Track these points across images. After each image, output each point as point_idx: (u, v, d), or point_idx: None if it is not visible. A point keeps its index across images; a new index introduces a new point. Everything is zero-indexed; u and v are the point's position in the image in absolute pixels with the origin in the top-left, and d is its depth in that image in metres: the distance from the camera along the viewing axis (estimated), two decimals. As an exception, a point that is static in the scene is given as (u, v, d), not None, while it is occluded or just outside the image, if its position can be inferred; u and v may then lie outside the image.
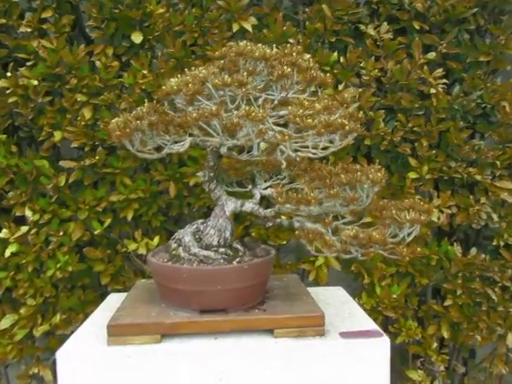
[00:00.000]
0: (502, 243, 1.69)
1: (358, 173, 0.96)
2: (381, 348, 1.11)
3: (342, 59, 1.67)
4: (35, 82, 1.58)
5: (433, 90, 1.63)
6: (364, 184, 0.95)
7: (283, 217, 1.37)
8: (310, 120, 0.86)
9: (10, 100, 1.58)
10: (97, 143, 1.64)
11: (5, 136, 1.61)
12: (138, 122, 0.99)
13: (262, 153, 1.17)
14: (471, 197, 1.69)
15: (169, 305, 1.15)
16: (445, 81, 1.65)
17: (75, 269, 1.64)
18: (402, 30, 1.73)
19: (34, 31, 1.61)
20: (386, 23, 1.67)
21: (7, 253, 1.59)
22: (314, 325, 1.10)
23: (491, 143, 1.75)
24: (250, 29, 1.63)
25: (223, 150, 1.11)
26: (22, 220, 1.67)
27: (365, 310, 1.39)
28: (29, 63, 1.60)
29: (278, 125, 1.03)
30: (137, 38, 1.62)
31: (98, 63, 1.63)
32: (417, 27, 1.68)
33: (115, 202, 1.65)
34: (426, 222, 0.95)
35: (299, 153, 0.94)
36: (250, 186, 1.35)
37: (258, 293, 1.19)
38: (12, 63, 1.62)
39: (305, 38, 1.66)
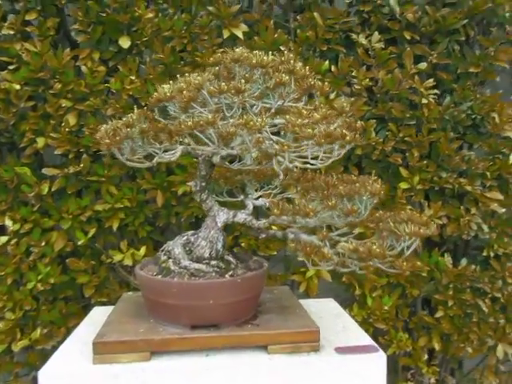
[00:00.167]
0: (492, 254, 1.69)
1: (357, 184, 0.94)
2: (377, 363, 1.08)
3: (333, 68, 1.66)
4: (17, 87, 1.52)
5: (424, 100, 1.63)
6: (363, 196, 0.92)
7: (274, 227, 1.34)
8: (309, 130, 0.83)
9: (-9, 104, 1.52)
10: (81, 150, 1.59)
11: (-15, 142, 1.55)
12: (129, 129, 0.95)
13: (254, 162, 1.14)
14: (461, 207, 1.68)
15: (158, 320, 1.10)
16: (436, 91, 1.65)
17: (57, 281, 1.57)
18: (393, 40, 1.73)
19: (16, 34, 1.56)
20: (377, 33, 1.67)
21: (-15, 264, 1.52)
22: (309, 340, 1.07)
23: (480, 154, 1.75)
24: (240, 35, 1.61)
25: (216, 159, 1.07)
26: (1, 230, 1.60)
27: (356, 321, 1.36)
28: (11, 67, 1.54)
29: (272, 134, 1.00)
30: (124, 42, 1.57)
31: (83, 68, 1.58)
32: (408, 37, 1.68)
33: (100, 211, 1.59)
34: (425, 236, 0.93)
35: (296, 163, 0.90)
36: (241, 196, 1.32)
37: (251, 307, 1.15)
38: (-7, 66, 1.56)
39: (296, 46, 1.65)
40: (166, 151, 1.05)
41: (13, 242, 1.55)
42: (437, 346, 1.70)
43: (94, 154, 1.60)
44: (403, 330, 1.74)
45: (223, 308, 1.07)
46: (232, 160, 1.16)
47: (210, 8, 1.61)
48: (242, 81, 0.85)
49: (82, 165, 1.57)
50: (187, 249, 1.16)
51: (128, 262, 1.59)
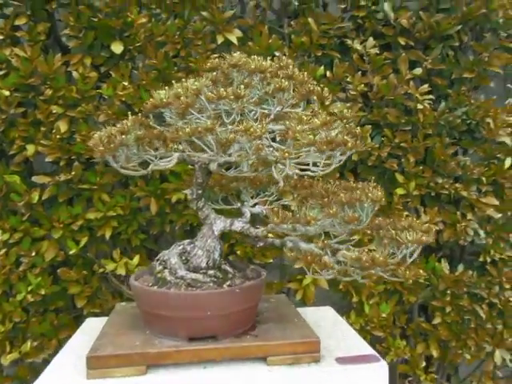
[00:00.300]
0: (488, 259, 1.68)
1: (357, 191, 0.92)
2: (379, 373, 1.06)
3: (328, 73, 1.65)
4: (7, 93, 1.49)
5: (419, 106, 1.63)
6: (364, 203, 0.90)
7: (270, 235, 1.32)
8: (310, 136, 0.81)
9: (-21, 111, 1.48)
10: (73, 157, 1.55)
11: (-28, 149, 1.52)
12: (124, 136, 0.92)
13: (251, 169, 1.12)
14: (458, 213, 1.68)
15: (154, 332, 1.07)
16: (431, 96, 1.64)
17: (48, 291, 1.53)
18: (387, 46, 1.73)
19: (6, 39, 1.53)
20: (371, 38, 1.66)
21: (-27, 275, 1.48)
22: (309, 351, 1.05)
23: (475, 159, 1.75)
24: (235, 41, 1.59)
25: (213, 167, 1.04)
26: (-11, 239, 1.55)
27: (354, 329, 1.34)
28: (0, 72, 1.51)
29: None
30: (117, 48, 1.55)
31: (74, 74, 1.55)
32: (402, 43, 1.68)
33: (92, 219, 1.56)
34: (427, 243, 0.91)
35: (296, 170, 0.88)
36: (238, 204, 1.30)
37: (250, 317, 1.12)
38: (-18, 72, 1.52)
39: (291, 52, 1.63)
40: (161, 158, 1.03)
41: (2, 252, 1.51)
42: (435, 353, 1.68)
43: (85, 162, 1.57)
44: (401, 337, 1.72)
45: (221, 319, 1.04)
46: (228, 167, 1.14)
47: (204, 13, 1.59)
48: (242, 86, 0.83)
49: (73, 172, 1.54)
50: (183, 258, 1.14)
51: (121, 271, 1.56)
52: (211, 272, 1.11)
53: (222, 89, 0.83)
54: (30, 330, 1.56)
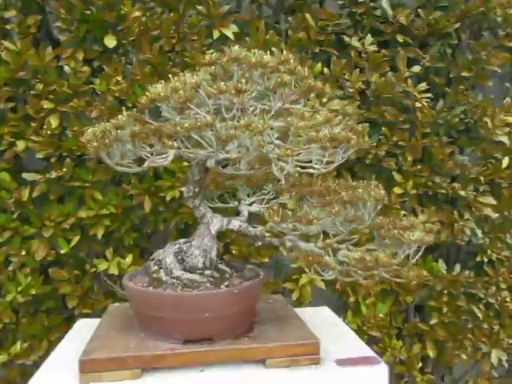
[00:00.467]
0: (485, 259, 1.67)
1: (360, 190, 0.90)
2: (379, 375, 1.04)
3: (325, 70, 1.63)
4: (-4, 87, 1.45)
5: (418, 104, 1.61)
6: (367, 202, 0.88)
7: (267, 234, 1.29)
8: (313, 133, 0.78)
9: (-33, 105, 1.44)
10: (64, 154, 1.52)
11: (-40, 145, 1.47)
12: (119, 131, 0.89)
13: (248, 166, 1.09)
14: (455, 212, 1.67)
15: (149, 334, 1.04)
16: (429, 95, 1.63)
17: (39, 291, 1.50)
18: (385, 43, 1.71)
19: (-5, 31, 1.48)
20: (370, 35, 1.64)
21: (-40, 275, 1.44)
22: (308, 353, 1.02)
23: (472, 158, 1.74)
24: (231, 36, 1.56)
25: (211, 164, 1.01)
26: (-22, 238, 1.51)
27: (352, 330, 1.32)
28: (-11, 66, 1.46)
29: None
30: (110, 41, 1.51)
31: (66, 68, 1.51)
32: (400, 40, 1.66)
33: (84, 218, 1.53)
34: (431, 243, 0.89)
35: (298, 168, 0.86)
36: (233, 202, 1.27)
37: (248, 318, 1.10)
38: (-30, 66, 1.47)
39: (288, 48, 1.60)
40: (157, 155, 0.99)
41: (-10, 251, 1.47)
42: (431, 354, 1.67)
43: (77, 158, 1.53)
44: (396, 337, 1.71)
45: (219, 321, 1.01)
46: (224, 165, 1.11)
47: (199, 7, 1.56)
48: (243, 80, 0.80)
49: (64, 169, 1.50)
50: (179, 258, 1.10)
51: (114, 270, 1.52)
52: (208, 272, 1.08)
53: (223, 83, 0.80)
54: (19, 331, 1.53)
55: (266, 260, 1.62)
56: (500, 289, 1.67)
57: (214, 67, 0.89)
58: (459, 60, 1.70)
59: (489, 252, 1.67)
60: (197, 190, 1.10)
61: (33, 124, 1.49)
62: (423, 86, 1.63)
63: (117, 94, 1.51)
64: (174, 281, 1.04)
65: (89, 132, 0.91)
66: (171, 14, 1.56)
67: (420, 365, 1.72)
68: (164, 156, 1.00)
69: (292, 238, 1.06)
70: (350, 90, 1.63)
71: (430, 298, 1.68)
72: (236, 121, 0.82)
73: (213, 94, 0.81)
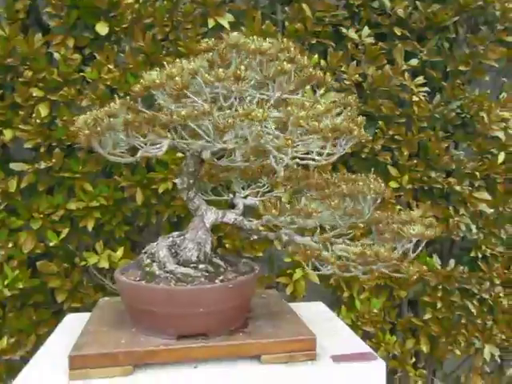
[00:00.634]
0: (479, 255, 1.67)
1: (360, 183, 0.87)
2: (376, 371, 1.02)
3: (322, 62, 1.60)
4: (-17, 74, 1.40)
5: (415, 98, 1.59)
6: (367, 195, 0.86)
7: (261, 227, 1.27)
8: (315, 123, 0.76)
9: (-47, 93, 1.39)
10: (54, 144, 1.48)
11: None
12: (111, 119, 0.85)
13: (243, 158, 1.06)
14: (451, 208, 1.66)
15: (141, 329, 1.01)
16: (426, 89, 1.61)
17: (26, 285, 1.46)
18: (382, 36, 1.68)
19: (-18, 16, 1.43)
20: (367, 27, 1.62)
21: None
22: (304, 349, 1.00)
23: (467, 153, 1.73)
24: (226, 25, 1.52)
25: (206, 155, 0.99)
26: (-37, 230, 1.47)
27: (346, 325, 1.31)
28: (-25, 52, 1.41)
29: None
30: (102, 29, 1.47)
31: (56, 55, 1.47)
32: (398, 33, 1.63)
33: (74, 210, 1.49)
34: (431, 237, 0.87)
35: (297, 159, 0.83)
36: (227, 195, 1.25)
37: (242, 314, 1.07)
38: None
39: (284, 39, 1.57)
40: (151, 145, 0.96)
41: (-24, 243, 1.43)
42: (425, 349, 1.66)
43: (67, 148, 1.50)
44: (390, 332, 1.70)
45: (213, 316, 0.99)
46: (219, 156, 1.08)
47: (194, -5, 1.52)
48: (242, 67, 0.77)
49: (54, 160, 1.46)
50: (173, 251, 1.08)
51: (104, 264, 1.49)
52: (202, 266, 1.05)
53: (221, 69, 0.77)
54: (6, 326, 1.49)
55: (260, 254, 1.59)
56: (494, 284, 1.67)
57: (211, 54, 0.86)
58: (456, 54, 1.68)
59: (483, 247, 1.67)
60: (191, 181, 1.07)
61: (21, 112, 1.45)
62: (420, 79, 1.62)
63: (108, 83, 1.47)
64: (168, 275, 1.01)
65: (80, 119, 0.87)
66: (165, 2, 1.52)
67: (413, 360, 1.71)
68: (158, 146, 0.97)
69: (288, 231, 1.04)
70: (347, 83, 1.61)
71: (424, 293, 1.67)
72: (234, 110, 0.79)
73: (211, 81, 0.77)
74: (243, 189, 1.26)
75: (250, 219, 1.13)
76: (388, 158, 1.64)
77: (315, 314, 1.32)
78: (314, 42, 1.62)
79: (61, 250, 1.53)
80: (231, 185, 1.26)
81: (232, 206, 1.24)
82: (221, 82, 0.76)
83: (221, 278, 1.02)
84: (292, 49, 0.86)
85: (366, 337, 1.68)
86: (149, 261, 1.06)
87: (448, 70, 1.69)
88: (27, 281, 1.46)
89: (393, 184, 1.63)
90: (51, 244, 1.47)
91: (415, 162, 1.64)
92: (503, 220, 1.70)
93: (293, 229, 1.03)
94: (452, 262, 1.68)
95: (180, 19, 1.53)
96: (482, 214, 1.68)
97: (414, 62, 1.62)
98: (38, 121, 1.44)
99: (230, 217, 1.11)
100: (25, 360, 1.36)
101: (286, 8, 1.62)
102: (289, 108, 0.80)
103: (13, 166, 1.46)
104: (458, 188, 1.63)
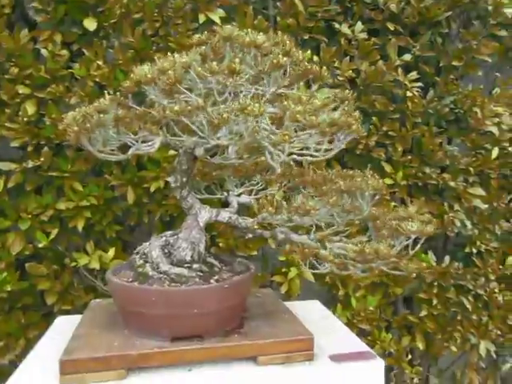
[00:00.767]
0: (474, 250, 1.66)
1: (358, 179, 0.85)
2: (375, 371, 1.01)
3: (315, 58, 1.58)
4: (-33, 70, 1.36)
5: (409, 93, 1.58)
6: (365, 191, 0.84)
7: (255, 226, 1.25)
8: (313, 117, 0.73)
9: None
10: (42, 142, 1.44)
11: None
12: (101, 115, 0.82)
13: (237, 155, 1.04)
14: (445, 204, 1.65)
15: (134, 332, 0.98)
16: (420, 84, 1.60)
17: (15, 288, 1.42)
18: (375, 31, 1.67)
19: (-35, 11, 1.39)
20: (360, 22, 1.60)
21: None
22: (302, 349, 0.98)
23: (461, 149, 1.72)
24: (217, 20, 1.50)
25: (199, 152, 0.96)
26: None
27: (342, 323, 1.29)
28: (-41, 48, 1.37)
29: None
30: (90, 24, 1.43)
31: (43, 51, 1.44)
32: (391, 28, 1.62)
33: (63, 209, 1.46)
34: (431, 234, 0.86)
35: (294, 156, 0.81)
36: (221, 193, 1.22)
37: (238, 314, 1.05)
38: None
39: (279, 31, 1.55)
40: (143, 142, 0.93)
41: (-37, 245, 1.39)
42: (421, 346, 1.66)
43: (55, 147, 1.46)
44: (386, 329, 1.69)
45: (208, 317, 0.96)
46: (212, 154, 1.05)
47: (185, -11, 1.49)
48: (237, 60, 0.75)
49: (42, 158, 1.43)
50: (166, 251, 1.05)
51: (95, 265, 1.46)
52: (196, 266, 1.02)
53: (215, 62, 0.75)
54: (-6, 330, 1.45)
55: (255, 253, 1.57)
56: (489, 280, 1.67)
57: (203, 48, 0.84)
58: (449, 49, 1.67)
59: (478, 243, 1.66)
60: (184, 179, 1.04)
61: (7, 110, 1.41)
62: (414, 74, 1.61)
63: (97, 80, 1.44)
64: (161, 275, 0.99)
65: (69, 116, 0.84)
66: (154, -4, 1.49)
67: (409, 357, 1.71)
68: (150, 143, 0.94)
69: (284, 229, 1.02)
70: (340, 79, 1.59)
71: (419, 290, 1.67)
72: (229, 105, 0.76)
73: (204, 75, 0.75)
74: (236, 187, 1.24)
75: (244, 217, 1.11)
76: (382, 154, 1.62)
77: (311, 313, 1.30)
78: (306, 37, 1.60)
79: (50, 251, 1.49)
80: (224, 183, 1.24)
81: (225, 204, 1.21)
82: (215, 75, 0.74)
83: (216, 277, 1.00)
84: (288, 42, 0.83)
85: (361, 335, 1.67)
86: (141, 261, 1.03)
87: (441, 65, 1.68)
88: (16, 283, 1.42)
89: (387, 180, 1.62)
90: (40, 245, 1.43)
91: (409, 157, 1.63)
92: (497, 215, 1.69)
93: (289, 227, 1.01)
94: (447, 259, 1.67)
95: (170, 14, 1.50)
96: (476, 209, 1.68)
97: (407, 57, 1.60)
98: (25, 119, 1.40)
99: (225, 215, 1.08)
100: (14, 364, 1.33)
101: (278, 3, 1.60)
102: (285, 102, 0.77)
103: (0, 165, 1.43)
104: (452, 184, 1.63)
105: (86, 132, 0.82)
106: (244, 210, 1.24)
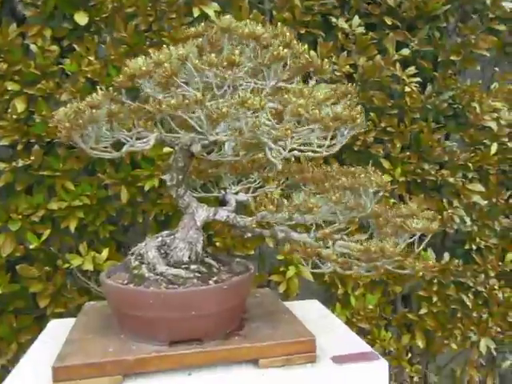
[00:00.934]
0: (474, 247, 1.65)
1: (361, 175, 0.83)
2: (379, 372, 0.98)
3: (311, 53, 1.55)
4: (-47, 66, 1.31)
5: (407, 89, 1.56)
6: (369, 188, 0.81)
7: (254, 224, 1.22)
8: (316, 111, 0.70)
9: None
10: (32, 140, 1.41)
11: None
12: (94, 110, 0.79)
13: (234, 152, 1.00)
14: (444, 200, 1.63)
15: (130, 336, 0.95)
16: (418, 79, 1.58)
17: (6, 290, 1.39)
18: (373, 25, 1.64)
19: (-49, 5, 1.34)
20: (357, 17, 1.57)
21: None
22: (304, 351, 0.95)
23: (459, 145, 1.70)
24: (212, 14, 1.46)
25: (196, 148, 0.93)
26: None
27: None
28: None
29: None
30: (81, 18, 1.40)
31: (33, 47, 1.40)
32: (388, 23, 1.60)
33: (55, 210, 1.42)
34: (436, 231, 0.83)
35: (295, 151, 0.78)
36: (217, 191, 1.19)
37: (238, 316, 1.02)
38: None
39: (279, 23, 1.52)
40: (137, 139, 0.90)
41: (-49, 247, 1.34)
42: (421, 344, 1.64)
43: (46, 145, 1.42)
44: (386, 328, 1.67)
45: (207, 319, 0.93)
46: (208, 151, 1.02)
47: (178, -17, 1.45)
48: (236, 51, 0.71)
49: (32, 157, 1.39)
50: (162, 252, 1.02)
51: (88, 266, 1.43)
52: (194, 267, 0.99)
53: (213, 54, 0.71)
54: (-15, 334, 1.41)
55: (252, 252, 1.54)
56: (488, 276, 1.65)
57: (200, 39, 0.80)
58: (447, 44, 1.65)
59: (477, 240, 1.65)
60: (181, 177, 1.01)
61: (-4, 108, 1.37)
62: (412, 69, 1.58)
63: (89, 76, 1.40)
64: (158, 277, 0.95)
65: (60, 112, 0.80)
66: (148, -10, 1.45)
67: (409, 355, 1.69)
68: (145, 140, 0.91)
69: (284, 228, 0.99)
70: (338, 74, 1.56)
71: (418, 288, 1.65)
72: (228, 99, 0.73)
73: (202, 68, 0.72)
74: (233, 185, 1.20)
75: (242, 216, 1.08)
76: (380, 150, 1.60)
77: (311, 313, 1.27)
78: (302, 31, 1.57)
79: (42, 253, 1.45)
80: (221, 181, 1.20)
81: (222, 202, 1.18)
82: (213, 68, 0.71)
83: (214, 278, 0.97)
84: (288, 33, 0.80)
85: (360, 333, 1.65)
86: (137, 263, 1.00)
87: (439, 59, 1.65)
88: (6, 286, 1.39)
89: (386, 177, 1.58)
90: (31, 246, 1.40)
91: (408, 154, 1.61)
92: (497, 211, 1.68)
93: (289, 225, 0.98)
94: (446, 256, 1.65)
95: (164, 8, 1.46)
96: (475, 205, 1.66)
97: (405, 51, 1.58)
98: (14, 116, 1.36)
99: (223, 214, 1.05)
100: (6, 369, 1.29)
101: (274, -4, 1.57)
102: (286, 96, 0.74)
103: (-12, 164, 1.39)
104: (451, 180, 1.61)
105: (77, 128, 0.78)
106: (241, 208, 1.20)
